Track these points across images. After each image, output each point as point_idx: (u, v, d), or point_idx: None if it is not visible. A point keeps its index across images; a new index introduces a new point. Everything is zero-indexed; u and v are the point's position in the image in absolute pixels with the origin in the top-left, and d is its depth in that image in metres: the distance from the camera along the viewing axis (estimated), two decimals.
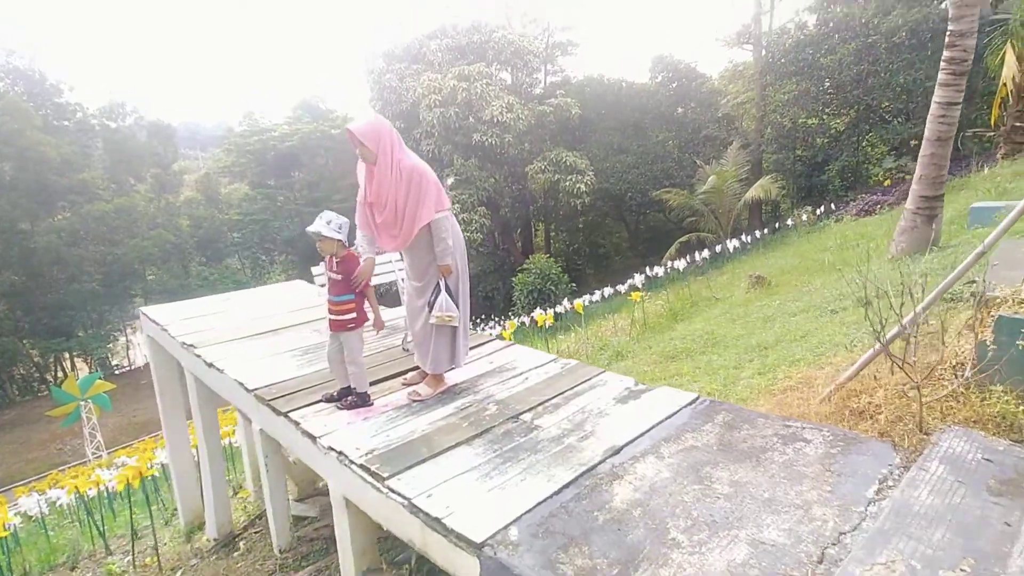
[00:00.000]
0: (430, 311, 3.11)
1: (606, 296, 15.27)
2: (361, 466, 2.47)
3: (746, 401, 3.96)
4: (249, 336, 4.40)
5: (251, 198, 39.04)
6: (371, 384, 3.31)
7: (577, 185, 21.61)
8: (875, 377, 3.12)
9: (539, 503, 2.11)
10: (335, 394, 3.16)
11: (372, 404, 3.11)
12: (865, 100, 19.90)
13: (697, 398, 2.91)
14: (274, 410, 3.12)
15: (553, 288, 17.17)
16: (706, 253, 16.01)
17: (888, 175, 18.17)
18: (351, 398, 3.11)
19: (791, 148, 22.03)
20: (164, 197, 36.59)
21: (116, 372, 32.74)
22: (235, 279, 38.30)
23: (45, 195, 28.36)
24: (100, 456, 16.40)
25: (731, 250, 17.05)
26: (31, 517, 9.58)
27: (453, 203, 21.25)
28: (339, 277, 3.12)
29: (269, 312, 5.10)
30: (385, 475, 2.36)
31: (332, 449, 2.65)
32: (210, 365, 3.83)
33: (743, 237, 17.76)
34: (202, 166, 56.93)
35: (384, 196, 3.01)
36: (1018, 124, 13.20)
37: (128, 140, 34.26)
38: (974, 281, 4.29)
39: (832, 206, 18.12)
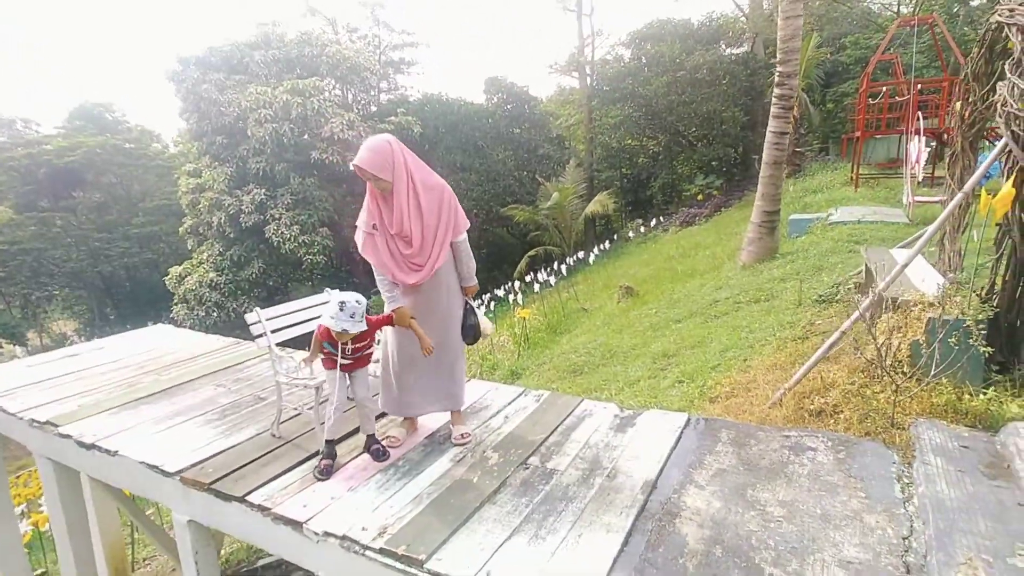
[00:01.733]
0: (474, 336, 2.82)
1: None
2: (382, 551, 2.07)
3: (692, 411, 4.15)
4: (131, 401, 3.52)
5: (17, 223, 32.15)
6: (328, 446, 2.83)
7: None
8: (821, 378, 3.45)
9: (616, 559, 1.94)
10: (325, 464, 2.65)
11: (388, 455, 2.74)
12: (676, 126, 22.70)
13: (690, 418, 2.96)
14: (219, 495, 2.50)
15: None
16: (557, 266, 16.84)
17: (700, 191, 20.83)
18: (377, 447, 2.72)
19: (618, 167, 24.23)
20: None
21: None
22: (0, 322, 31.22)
23: None
24: None
25: (573, 263, 18.15)
26: None
27: (291, 225, 19.72)
28: (367, 342, 2.73)
29: (145, 368, 4.15)
30: (421, 557, 2.00)
31: (330, 535, 2.19)
32: (91, 447, 2.97)
33: (582, 251, 19.04)
34: None
35: (409, 225, 2.60)
36: (797, 149, 16.03)
37: None
38: (851, 286, 5.02)
39: (660, 219, 20.24)
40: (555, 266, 16.77)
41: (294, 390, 3.23)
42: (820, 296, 5.41)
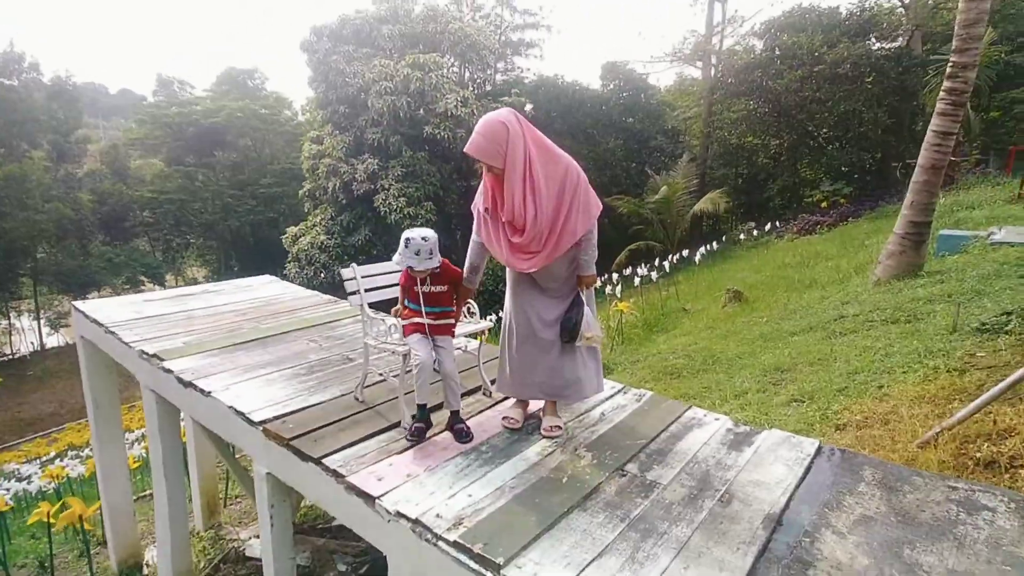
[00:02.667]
0: (570, 332, 2.52)
1: None
2: (456, 545, 1.85)
3: (813, 435, 3.62)
4: (231, 345, 3.57)
5: (166, 175, 35.84)
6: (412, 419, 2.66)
7: None
8: (994, 422, 2.83)
9: None
10: (417, 427, 2.54)
11: (472, 437, 2.55)
12: (805, 125, 20.88)
13: (822, 447, 2.50)
14: (298, 454, 2.40)
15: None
16: (658, 262, 16.08)
17: (825, 197, 19.07)
18: (462, 427, 2.54)
19: (735, 165, 22.74)
20: (63, 167, 32.84)
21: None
22: (144, 262, 35.04)
23: None
24: None
25: (676, 261, 17.25)
26: None
27: (398, 196, 20.31)
28: (445, 288, 2.59)
29: (247, 315, 4.25)
30: (499, 561, 1.75)
31: (402, 516, 2.00)
32: (188, 385, 3.01)
33: (686, 251, 18.05)
34: (105, 136, 51.87)
35: (523, 213, 2.32)
36: (952, 159, 14.11)
37: (23, 100, 30.34)
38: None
39: (776, 224, 18.78)
40: (656, 262, 16.04)
41: (382, 355, 3.10)
42: (983, 324, 4.58)
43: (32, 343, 32.06)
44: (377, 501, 2.08)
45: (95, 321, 3.89)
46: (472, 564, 1.78)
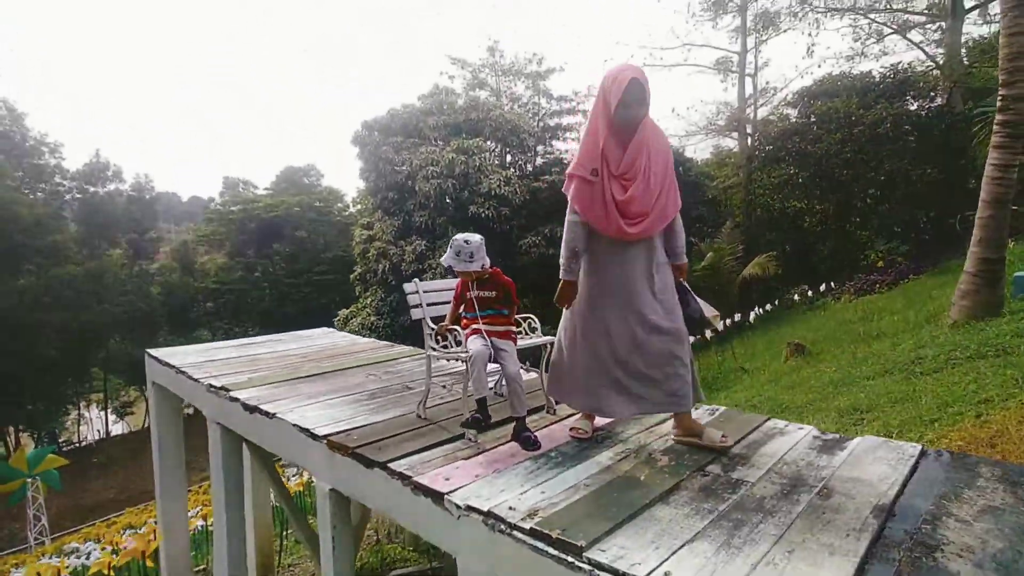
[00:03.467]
0: (699, 321, 2.46)
1: None
2: (533, 532, 1.72)
3: None
4: (293, 379, 3.62)
5: (228, 267, 38.05)
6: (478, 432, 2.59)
7: None
8: None
9: None
10: (474, 416, 2.51)
11: (540, 445, 2.44)
12: (850, 187, 20.67)
13: (926, 450, 2.27)
14: (362, 461, 2.34)
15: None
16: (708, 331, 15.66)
17: (880, 257, 18.47)
18: (528, 434, 2.44)
19: (780, 229, 22.49)
20: (138, 264, 35.36)
21: (64, 448, 30.03)
22: None
23: (11, 257, 26.97)
24: (43, 543, 14.37)
25: (727, 326, 16.74)
26: None
27: (445, 275, 20.87)
28: (494, 293, 2.64)
29: (305, 355, 4.33)
30: (580, 544, 1.62)
31: (473, 510, 1.89)
32: (253, 410, 3.04)
33: (737, 316, 17.54)
34: (175, 237, 55.98)
35: (643, 163, 2.28)
36: (1014, 208, 13.57)
37: (106, 204, 33.39)
38: None
39: (830, 285, 18.19)
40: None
41: (444, 378, 3.07)
42: None
43: (98, 431, 33.21)
44: (446, 497, 1.99)
45: (167, 364, 4.04)
46: (551, 551, 1.65)
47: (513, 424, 2.51)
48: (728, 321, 16.33)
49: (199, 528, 7.98)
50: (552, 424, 2.76)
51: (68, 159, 34.16)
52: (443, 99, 24.15)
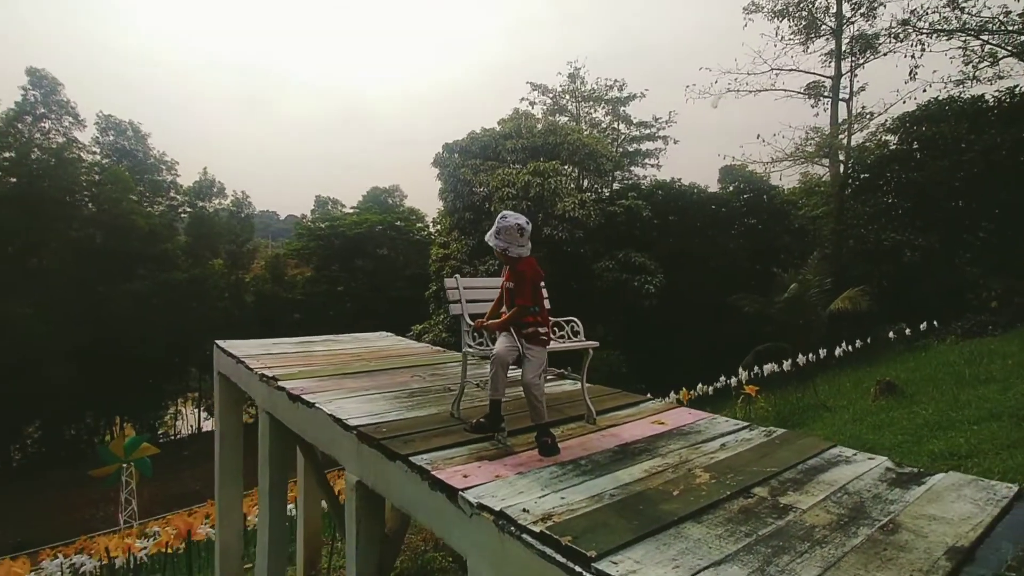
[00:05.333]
0: None
1: (677, 399, 13.99)
2: (542, 537, 1.59)
3: None
4: (340, 374, 3.67)
5: (314, 280, 40.15)
6: (508, 433, 2.47)
7: (646, 286, 21.00)
8: None
9: None
10: (478, 422, 2.45)
11: (559, 451, 2.30)
12: (960, 218, 18.95)
13: (1021, 488, 1.92)
14: (386, 452, 2.29)
15: (622, 387, 15.91)
16: (791, 363, 14.66)
17: (995, 296, 16.69)
18: (546, 439, 2.32)
19: (877, 263, 20.89)
20: (235, 273, 38.02)
21: (160, 441, 32.41)
22: None
23: (127, 262, 29.80)
24: (131, 525, 15.45)
25: (810, 362, 15.58)
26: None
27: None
28: (513, 285, 2.50)
29: (359, 354, 4.40)
30: (590, 554, 1.47)
31: (485, 509, 1.78)
32: (295, 399, 3.09)
33: (822, 352, 16.30)
34: (270, 251, 59.91)
35: None
36: None
37: (210, 218, 36.35)
38: None
39: (934, 324, 16.61)
40: (789, 363, 14.68)
41: (481, 381, 2.99)
42: None
43: (192, 426, 35.67)
44: (460, 494, 1.89)
45: (230, 354, 4.22)
46: (559, 558, 1.51)
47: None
48: (812, 356, 15.25)
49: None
50: (590, 433, 2.60)
51: (181, 176, 37.59)
52: (522, 123, 24.54)
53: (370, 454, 2.40)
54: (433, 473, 2.04)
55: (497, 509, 1.75)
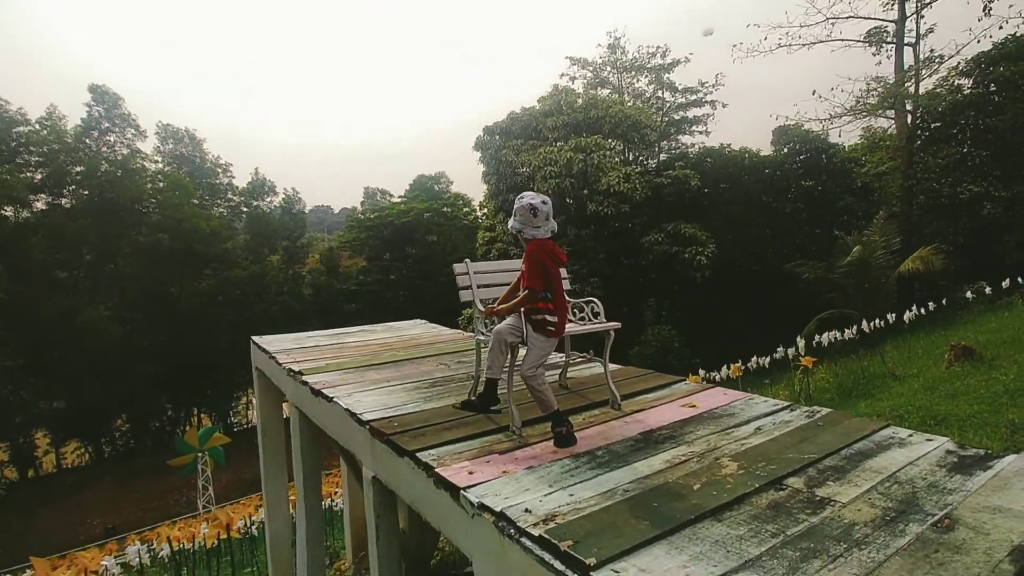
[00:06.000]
0: None
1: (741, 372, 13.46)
2: (541, 541, 1.46)
3: None
4: (365, 366, 3.64)
5: (367, 270, 41.10)
6: (524, 424, 2.34)
7: (697, 258, 20.30)
8: None
9: None
10: (467, 400, 2.42)
11: (575, 441, 2.17)
12: None
13: None
14: (394, 448, 2.21)
15: (675, 362, 15.61)
16: (855, 329, 13.80)
17: None
18: (560, 430, 2.19)
19: (952, 218, 19.41)
20: (292, 267, 39.38)
21: (235, 430, 34.28)
22: None
23: (193, 262, 31.35)
24: (209, 510, 16.43)
25: (878, 328, 14.61)
26: (132, 567, 9.32)
27: (568, 273, 20.69)
28: (522, 269, 2.37)
29: (389, 344, 4.37)
30: (589, 561, 1.33)
31: (486, 509, 1.66)
32: (317, 393, 3.06)
33: (891, 317, 15.26)
34: (326, 244, 61.76)
35: None
36: None
37: (266, 216, 37.69)
38: None
39: (1018, 281, 15.29)
40: (854, 329, 13.85)
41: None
42: None
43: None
44: (462, 493, 1.78)
45: (263, 349, 4.28)
46: (557, 564, 1.38)
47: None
48: (880, 322, 14.36)
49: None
50: (613, 420, 2.44)
51: (236, 178, 39.07)
52: (562, 99, 23.99)
53: (382, 450, 2.33)
54: (438, 471, 1.94)
55: (498, 509, 1.63)
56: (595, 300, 2.65)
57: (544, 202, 2.38)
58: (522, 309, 2.29)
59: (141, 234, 29.87)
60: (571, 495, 1.72)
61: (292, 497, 5.53)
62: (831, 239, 20.14)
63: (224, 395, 34.55)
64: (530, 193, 2.42)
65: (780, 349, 12.37)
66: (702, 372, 12.21)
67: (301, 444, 3.57)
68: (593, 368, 3.36)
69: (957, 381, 6.42)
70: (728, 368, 10.70)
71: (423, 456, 2.07)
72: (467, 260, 2.74)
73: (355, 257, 46.25)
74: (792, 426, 2.22)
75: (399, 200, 46.43)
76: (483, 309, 2.54)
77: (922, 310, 14.53)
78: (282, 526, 4.74)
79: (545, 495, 1.72)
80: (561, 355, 3.00)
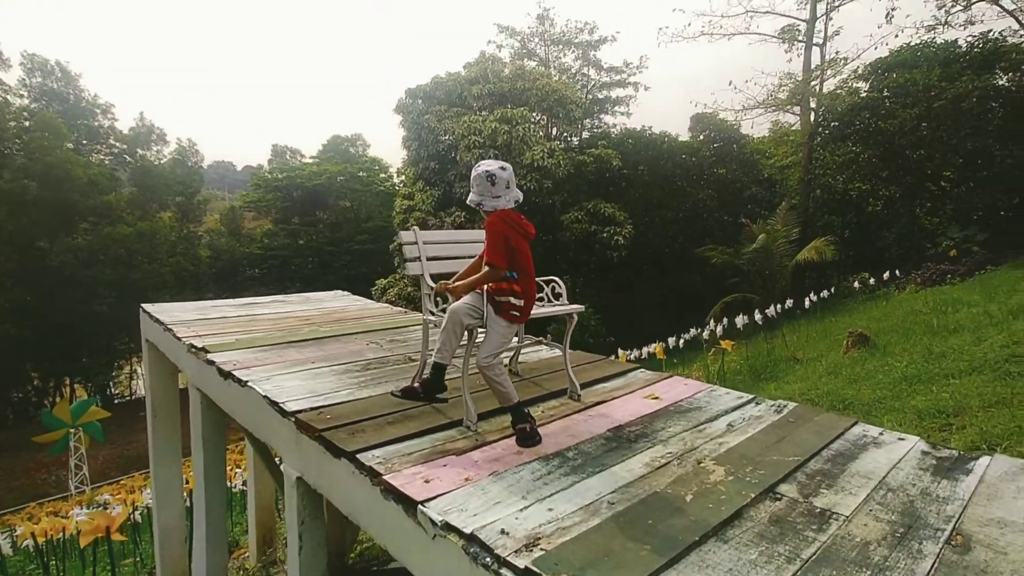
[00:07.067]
0: None
1: (649, 353, 13.94)
2: (528, 574, 1.20)
3: None
4: (283, 343, 3.19)
5: (273, 234, 38.66)
6: (480, 417, 2.07)
7: (615, 238, 20.72)
8: None
9: None
10: (408, 388, 2.15)
11: (539, 439, 1.90)
12: (923, 167, 19.04)
13: None
14: (329, 447, 1.86)
15: (591, 340, 15.88)
16: (757, 313, 14.70)
17: (954, 245, 16.98)
18: (523, 427, 1.92)
19: (842, 213, 21.06)
20: (186, 226, 36.21)
21: (115, 402, 31.43)
22: None
23: (67, 214, 27.93)
24: (83, 491, 14.87)
25: (777, 313, 15.69)
26: None
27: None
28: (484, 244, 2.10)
29: (308, 318, 3.91)
30: None
31: (452, 530, 1.38)
32: (227, 376, 2.61)
33: (788, 302, 16.43)
34: (226, 203, 57.39)
35: None
36: None
37: (155, 167, 34.20)
38: None
39: (896, 273, 16.86)
40: (755, 313, 14.70)
41: None
42: None
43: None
44: (420, 508, 1.48)
45: (156, 320, 3.68)
46: None
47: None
48: (778, 307, 15.34)
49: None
50: (575, 413, 2.22)
51: (120, 123, 34.90)
52: (489, 68, 23.35)
53: (312, 448, 1.96)
54: (386, 478, 1.62)
55: (467, 531, 1.35)
56: (556, 280, 2.40)
57: (503, 168, 2.09)
58: (484, 288, 1.99)
59: (2, 178, 26.10)
60: (550, 509, 1.47)
61: (188, 485, 4.96)
62: (737, 226, 21.25)
63: (103, 364, 31.39)
64: (486, 161, 2.12)
65: (693, 329, 12.88)
66: (622, 352, 12.46)
67: (203, 431, 3.08)
68: (542, 352, 3.13)
69: (856, 366, 6.87)
70: (650, 348, 10.99)
71: (365, 458, 1.74)
72: (415, 228, 2.39)
73: (260, 219, 43.32)
74: (764, 422, 2.10)
75: (311, 161, 43.84)
76: (433, 286, 2.21)
77: (816, 297, 15.68)
78: (174, 517, 4.19)
79: (520, 510, 1.46)
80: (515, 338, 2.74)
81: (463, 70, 24.10)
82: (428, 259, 2.32)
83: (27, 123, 28.10)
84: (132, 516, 6.90)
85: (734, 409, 2.25)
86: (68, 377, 30.28)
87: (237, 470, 10.67)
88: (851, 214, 21.12)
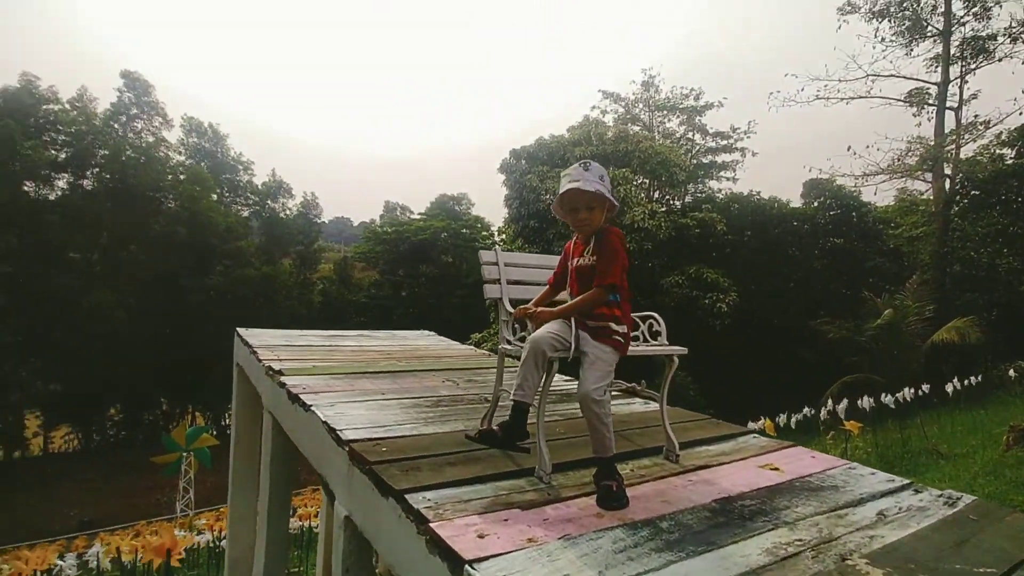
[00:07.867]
0: None
1: (759, 429, 12.65)
2: None
3: None
4: (358, 373, 3.06)
5: (379, 284, 40.75)
6: (555, 468, 1.74)
7: (718, 304, 19.62)
8: None
9: None
10: (486, 431, 1.90)
11: (627, 502, 1.55)
12: None
13: None
14: (377, 483, 1.61)
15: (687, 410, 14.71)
16: (890, 398, 12.98)
17: None
18: (609, 484, 1.59)
19: (987, 290, 18.62)
20: (304, 273, 39.13)
21: (228, 432, 33.56)
22: None
23: (206, 257, 31.17)
24: (187, 514, 15.65)
25: (908, 398, 13.75)
26: (91, 569, 8.65)
27: None
28: (594, 261, 1.81)
29: (389, 352, 3.79)
30: None
31: None
32: (295, 399, 2.48)
33: (923, 387, 14.39)
34: (340, 255, 61.72)
35: None
36: None
37: (282, 219, 37.63)
38: None
39: None
40: (882, 396, 13.02)
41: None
42: None
43: None
44: (467, 568, 1.17)
45: (246, 343, 3.71)
46: None
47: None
48: (911, 391, 13.50)
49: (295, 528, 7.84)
50: (672, 476, 1.82)
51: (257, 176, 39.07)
52: (592, 130, 23.77)
53: (361, 482, 1.73)
54: (433, 526, 1.33)
55: None
56: (655, 316, 2.07)
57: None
58: (577, 313, 1.70)
59: (157, 223, 29.78)
60: None
61: None
62: (855, 299, 19.40)
63: (222, 395, 33.91)
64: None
65: (806, 409, 11.58)
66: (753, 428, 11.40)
67: (271, 459, 2.97)
68: (634, 405, 2.75)
69: (1022, 468, 5.68)
70: (755, 423, 9.96)
71: (414, 499, 1.47)
72: (496, 247, 2.19)
73: (368, 269, 45.97)
74: (931, 516, 1.59)
75: (419, 217, 46.32)
76: (511, 311, 1.97)
77: (961, 384, 13.67)
78: (245, 550, 4.09)
79: None
80: None
81: (567, 133, 24.67)
82: (509, 282, 2.09)
83: (182, 176, 32.21)
84: (219, 543, 7.00)
85: (885, 495, 1.75)
86: (191, 405, 32.87)
87: (318, 508, 10.74)
88: (999, 292, 18.63)
